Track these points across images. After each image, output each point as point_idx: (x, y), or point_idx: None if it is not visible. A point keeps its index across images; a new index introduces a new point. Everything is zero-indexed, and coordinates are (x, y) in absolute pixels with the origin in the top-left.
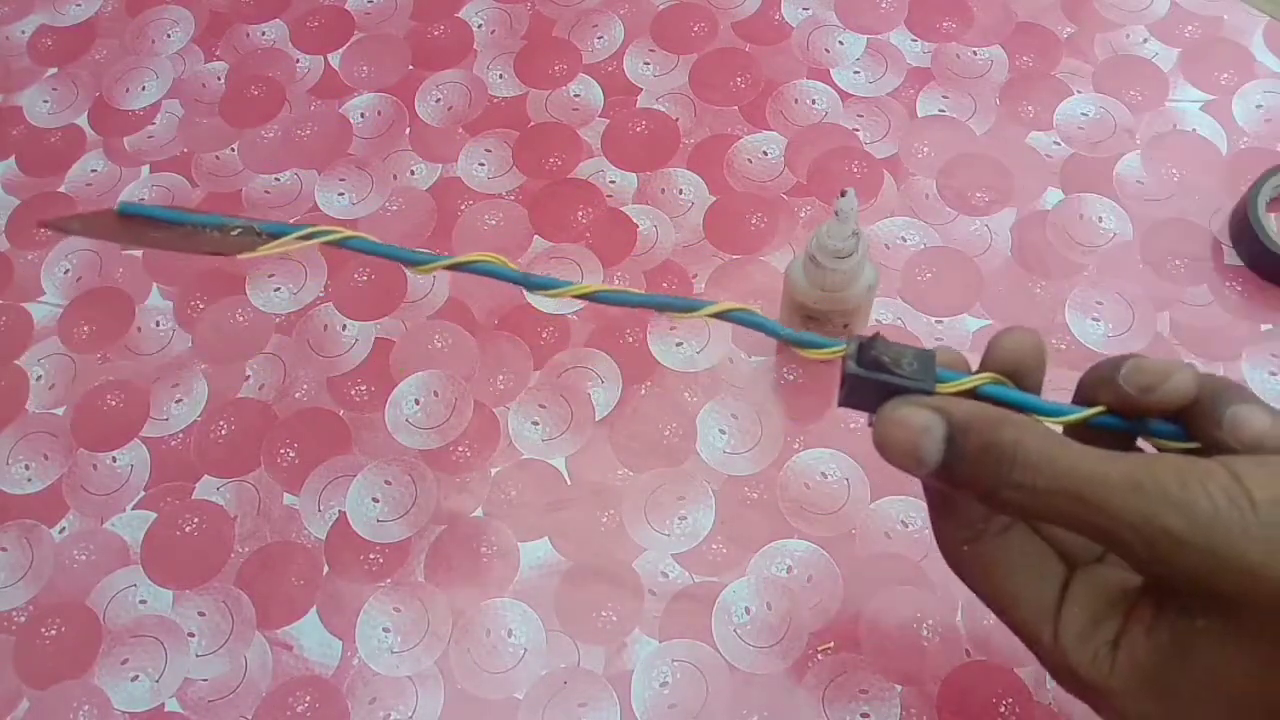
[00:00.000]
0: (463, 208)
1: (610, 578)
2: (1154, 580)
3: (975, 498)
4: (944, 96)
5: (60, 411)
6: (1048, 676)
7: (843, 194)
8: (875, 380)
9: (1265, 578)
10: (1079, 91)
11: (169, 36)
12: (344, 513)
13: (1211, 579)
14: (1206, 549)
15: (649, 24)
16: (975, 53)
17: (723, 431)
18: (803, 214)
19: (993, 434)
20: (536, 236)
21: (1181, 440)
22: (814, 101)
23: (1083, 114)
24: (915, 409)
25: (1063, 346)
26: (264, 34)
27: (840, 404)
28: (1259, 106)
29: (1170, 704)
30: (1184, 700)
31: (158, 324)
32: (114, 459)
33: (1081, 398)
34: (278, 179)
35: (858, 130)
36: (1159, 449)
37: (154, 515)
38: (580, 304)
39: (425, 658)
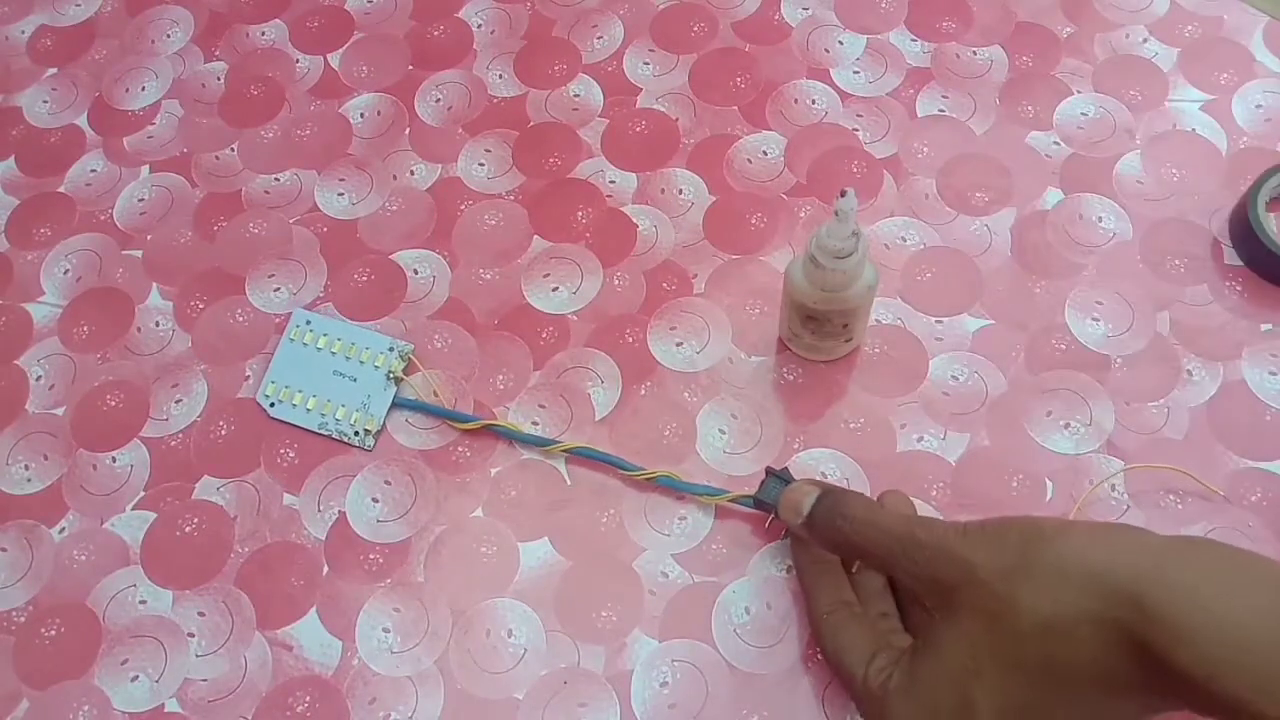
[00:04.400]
0: (463, 208)
1: (610, 578)
2: (908, 585)
3: (819, 535)
4: (944, 96)
5: (60, 411)
6: None
7: (843, 194)
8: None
9: (967, 562)
10: (1079, 91)
11: (169, 36)
12: (344, 513)
13: (937, 571)
14: (937, 548)
15: (649, 24)
16: (975, 53)
17: (723, 431)
18: (803, 214)
19: (837, 494)
20: (536, 236)
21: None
22: (814, 101)
23: (1082, 114)
24: (804, 485)
25: (1062, 347)
26: (264, 34)
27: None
28: (1259, 106)
29: (918, 692)
30: (926, 687)
31: (157, 324)
32: (114, 459)
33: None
34: (277, 179)
35: (858, 130)
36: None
37: (154, 515)
38: (581, 304)
39: (425, 658)
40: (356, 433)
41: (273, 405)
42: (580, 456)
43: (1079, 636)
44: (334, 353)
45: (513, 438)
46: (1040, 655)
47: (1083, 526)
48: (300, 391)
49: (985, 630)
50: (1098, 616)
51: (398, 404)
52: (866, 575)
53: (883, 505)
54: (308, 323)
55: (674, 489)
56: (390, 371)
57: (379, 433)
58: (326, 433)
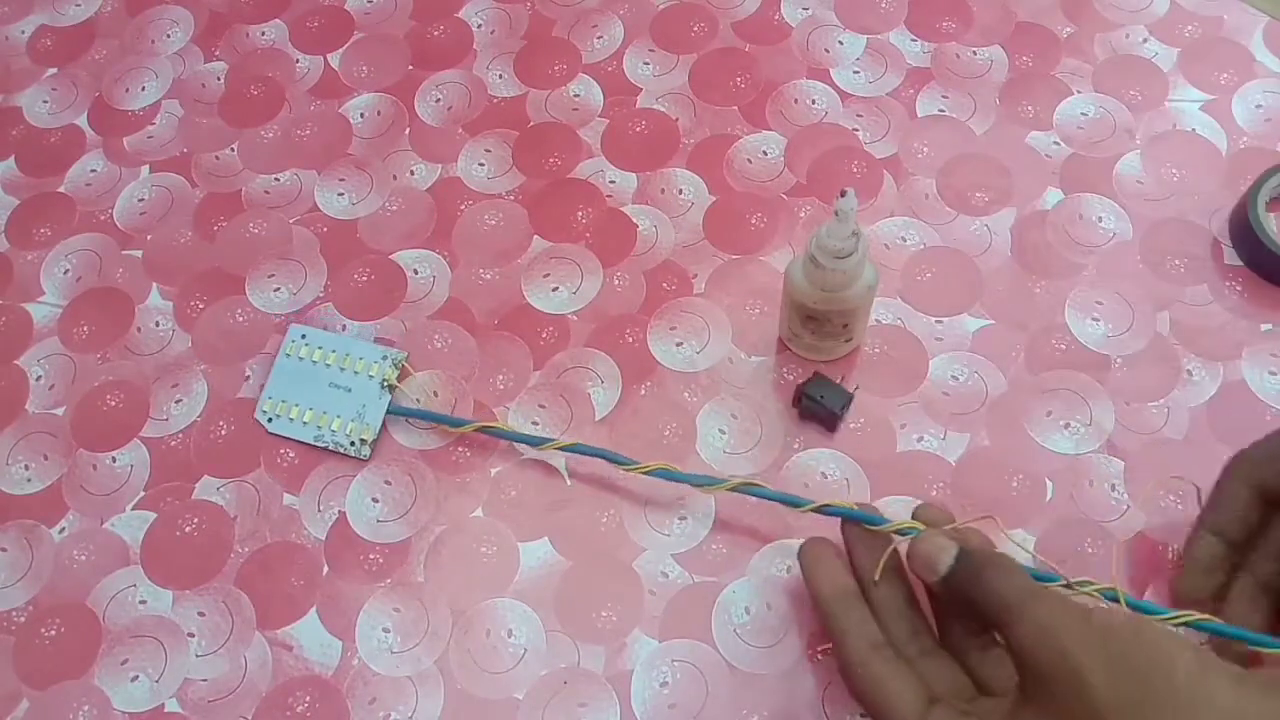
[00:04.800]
0: (463, 208)
1: (610, 578)
2: (1019, 664)
3: (950, 594)
4: (944, 96)
5: (60, 411)
6: None
7: (843, 194)
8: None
9: (1079, 674)
10: (1079, 91)
11: (169, 36)
12: (344, 513)
13: (1042, 661)
14: (1053, 637)
15: (649, 24)
16: (975, 53)
17: (723, 431)
18: (803, 214)
19: (980, 560)
20: (536, 236)
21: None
22: (814, 101)
23: (1082, 114)
24: (940, 540)
25: (1062, 347)
26: (264, 34)
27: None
28: (1259, 106)
29: None
30: None
31: (157, 324)
32: (114, 459)
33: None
34: (277, 179)
35: (857, 130)
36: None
37: (154, 515)
38: (581, 304)
39: (425, 658)
40: (352, 443)
41: (270, 420)
42: (577, 454)
43: None
44: (329, 365)
45: (508, 439)
46: None
47: (1226, 681)
48: (297, 405)
49: None
50: None
51: (393, 412)
52: (887, 591)
53: (923, 517)
54: (303, 337)
55: (672, 480)
56: (384, 380)
57: (375, 441)
58: (323, 445)
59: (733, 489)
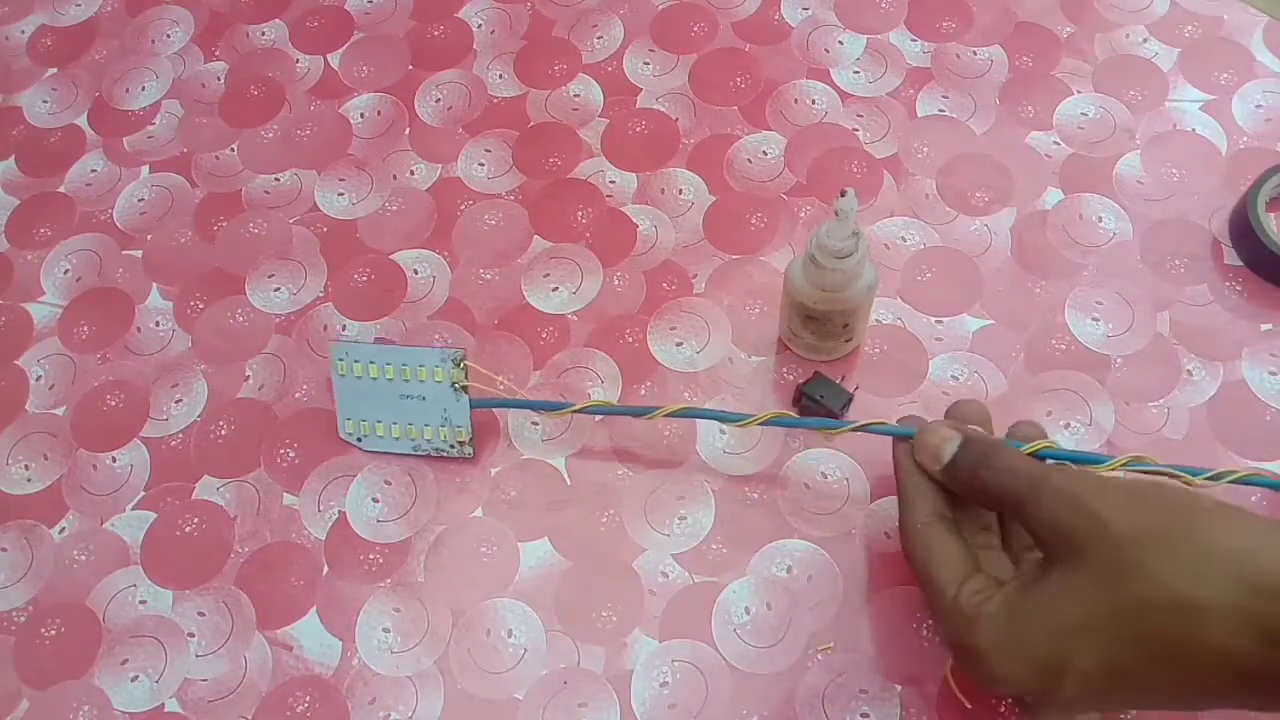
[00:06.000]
0: (463, 208)
1: (610, 578)
2: (1031, 530)
3: (958, 483)
4: (944, 96)
5: (60, 411)
6: None
7: (843, 194)
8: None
9: (1099, 518)
10: (1079, 91)
11: (169, 36)
12: (344, 513)
13: (1064, 520)
14: (1070, 496)
15: (649, 24)
16: (975, 53)
17: (723, 431)
18: (803, 214)
19: (980, 444)
20: (536, 236)
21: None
22: (814, 101)
23: (1082, 114)
24: (942, 430)
25: (1062, 347)
26: (264, 34)
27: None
28: (1259, 106)
29: (1016, 630)
30: (1026, 627)
31: (158, 324)
32: (114, 459)
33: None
34: (277, 179)
35: (857, 130)
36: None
37: (154, 515)
38: (581, 304)
39: (425, 658)
40: (452, 445)
41: (360, 440)
42: (683, 418)
43: (1210, 620)
44: (390, 379)
45: (607, 414)
46: (1160, 628)
47: (1240, 513)
48: (380, 421)
49: (1105, 590)
50: (1237, 605)
51: (477, 406)
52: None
53: (1020, 434)
54: (347, 354)
55: (788, 426)
56: (454, 382)
57: (473, 439)
58: (424, 453)
59: (764, 422)
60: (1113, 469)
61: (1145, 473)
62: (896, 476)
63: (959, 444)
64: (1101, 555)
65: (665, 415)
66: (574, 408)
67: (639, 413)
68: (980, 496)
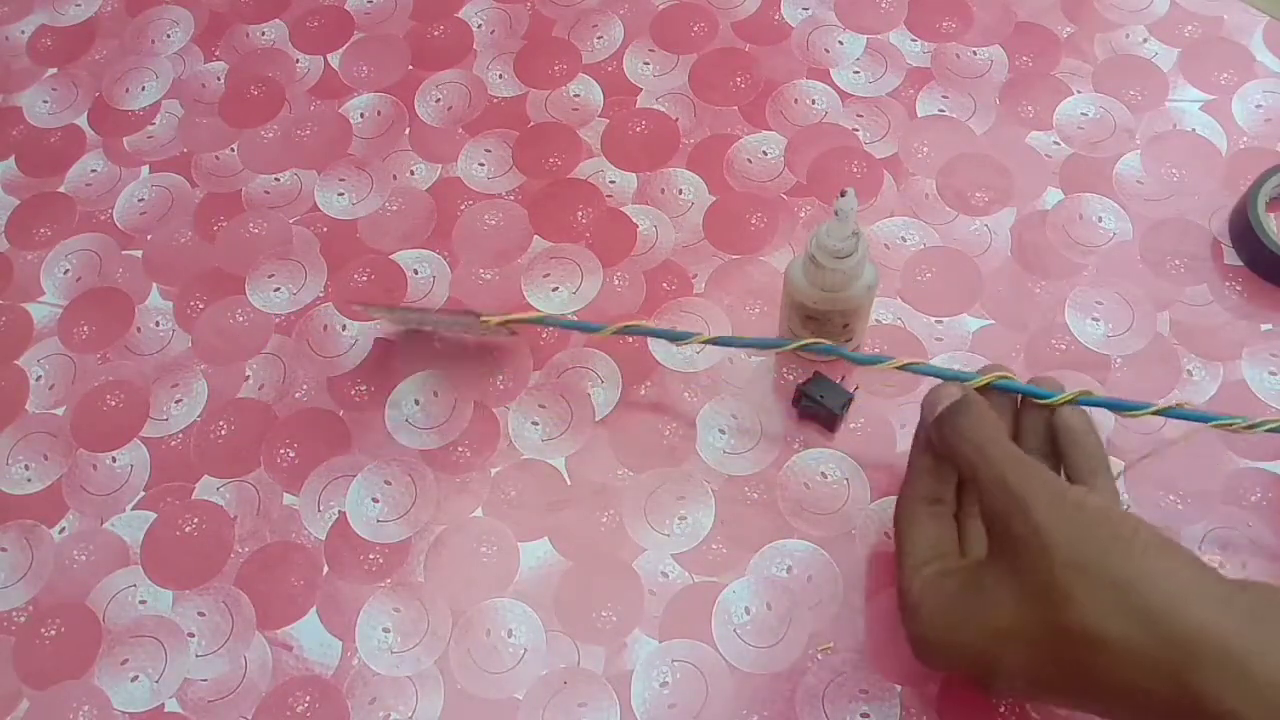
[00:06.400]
0: (463, 208)
1: (610, 578)
2: (989, 524)
3: (938, 439)
4: (944, 96)
5: (60, 411)
6: None
7: (843, 194)
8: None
9: (1041, 533)
10: (1079, 91)
11: (169, 36)
12: (344, 513)
13: (1011, 523)
14: (1020, 501)
15: (649, 24)
16: (975, 53)
17: (723, 431)
18: (803, 214)
19: (964, 408)
20: (536, 236)
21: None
22: (814, 101)
23: (1082, 114)
24: (950, 388)
25: (1062, 347)
26: (264, 34)
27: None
28: (1259, 106)
29: (951, 621)
30: (959, 620)
31: (158, 324)
32: (114, 459)
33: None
34: (277, 179)
35: (857, 130)
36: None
37: (154, 515)
38: (581, 304)
39: (425, 658)
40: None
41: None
42: (721, 345)
43: (1121, 659)
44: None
45: (649, 334)
46: (1078, 658)
47: (1178, 555)
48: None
49: (1034, 608)
50: (1147, 651)
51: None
52: None
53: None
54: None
55: (826, 355)
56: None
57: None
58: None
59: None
60: (1153, 414)
61: (1185, 419)
62: (912, 446)
63: (950, 403)
64: (1038, 572)
65: (702, 342)
66: (617, 327)
67: (680, 337)
68: (953, 461)
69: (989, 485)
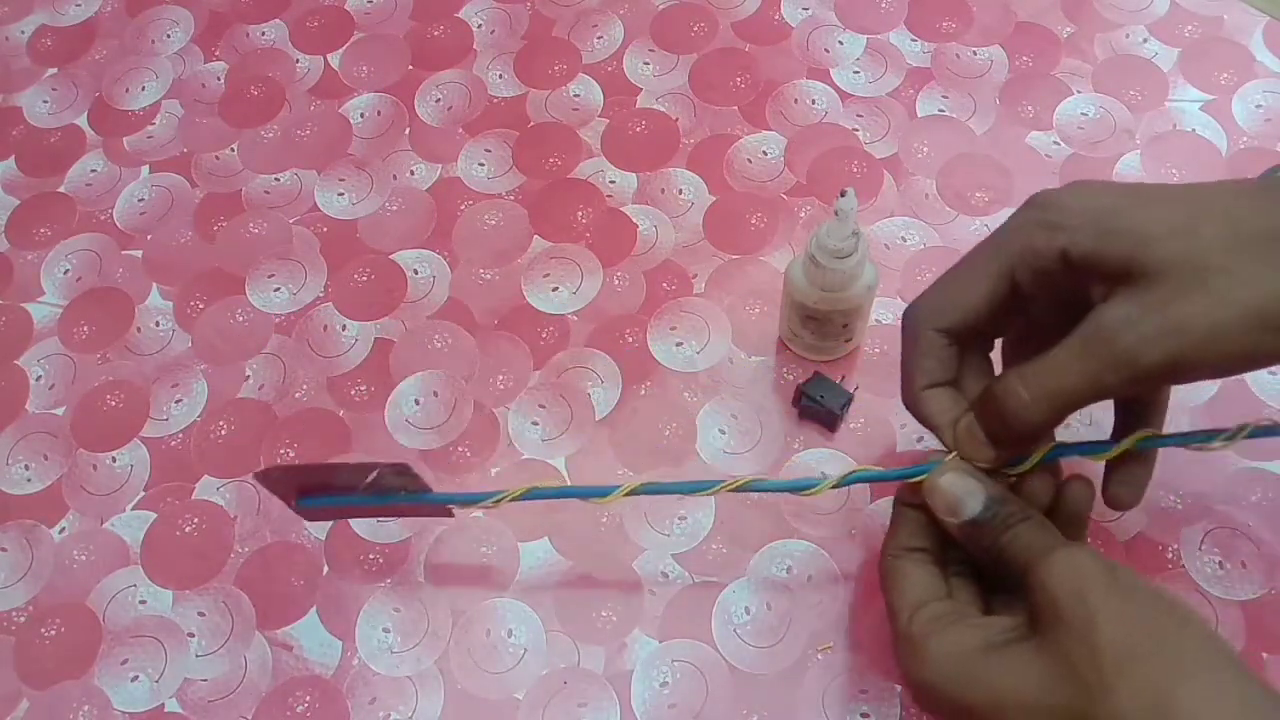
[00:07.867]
0: (463, 208)
1: (610, 578)
2: (1034, 600)
3: (974, 542)
4: (944, 96)
5: (60, 411)
6: None
7: (843, 194)
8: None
9: (1095, 625)
10: (1079, 91)
11: (169, 36)
12: None
13: (1069, 610)
14: (1078, 592)
15: (649, 24)
16: (975, 53)
17: (723, 431)
18: (803, 214)
19: (1020, 509)
20: (536, 236)
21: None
22: (814, 101)
23: (1082, 114)
24: (961, 481)
25: None
26: (264, 34)
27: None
28: (1259, 106)
29: (962, 674)
30: (973, 677)
31: (158, 324)
32: (114, 459)
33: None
34: (277, 179)
35: (857, 130)
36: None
37: (154, 515)
38: (581, 304)
39: (425, 658)
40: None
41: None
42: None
43: None
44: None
45: (661, 492)
46: None
47: (1230, 660)
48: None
49: (1066, 689)
50: None
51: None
52: None
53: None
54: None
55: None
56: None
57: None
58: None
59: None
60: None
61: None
62: (895, 501)
63: (983, 504)
64: (1080, 657)
65: (626, 495)
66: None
67: (594, 494)
68: (991, 558)
69: (1040, 579)
